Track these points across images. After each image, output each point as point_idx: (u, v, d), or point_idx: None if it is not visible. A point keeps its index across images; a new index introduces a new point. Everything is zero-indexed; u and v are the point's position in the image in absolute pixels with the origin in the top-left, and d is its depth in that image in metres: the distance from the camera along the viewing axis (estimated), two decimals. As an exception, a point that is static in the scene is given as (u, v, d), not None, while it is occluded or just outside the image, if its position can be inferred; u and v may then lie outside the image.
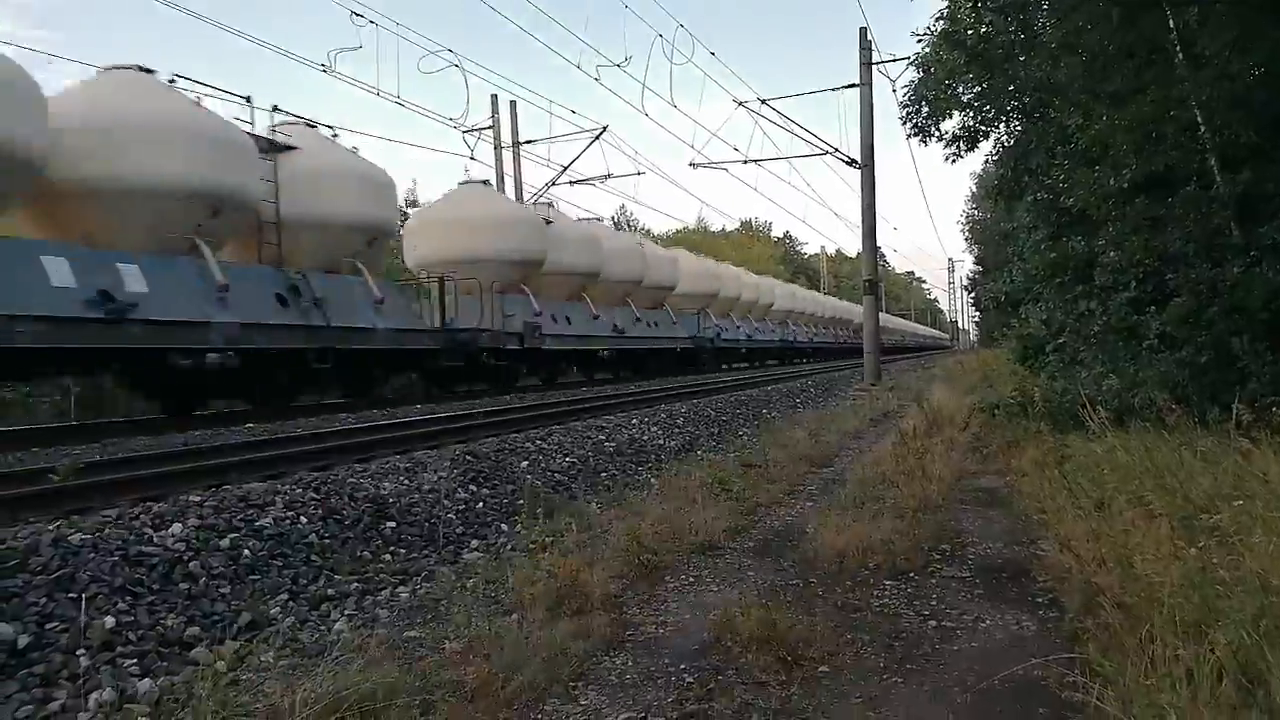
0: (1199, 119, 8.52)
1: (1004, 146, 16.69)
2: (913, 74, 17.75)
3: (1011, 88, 13.41)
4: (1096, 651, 3.18)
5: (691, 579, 4.86)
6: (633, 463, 9.86)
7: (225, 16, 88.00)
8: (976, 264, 51.94)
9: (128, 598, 4.27)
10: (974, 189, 52.72)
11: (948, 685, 3.28)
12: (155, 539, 4.83)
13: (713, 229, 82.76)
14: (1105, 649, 3.18)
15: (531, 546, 5.59)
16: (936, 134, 16.47)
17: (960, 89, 15.14)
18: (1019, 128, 15.66)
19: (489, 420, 11.60)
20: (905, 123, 16.77)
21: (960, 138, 16.19)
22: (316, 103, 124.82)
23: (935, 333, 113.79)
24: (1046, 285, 13.09)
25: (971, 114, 15.67)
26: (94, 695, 3.54)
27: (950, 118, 16.25)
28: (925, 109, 16.38)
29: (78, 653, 3.78)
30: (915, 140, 16.65)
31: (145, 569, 4.54)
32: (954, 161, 16.72)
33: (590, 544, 5.31)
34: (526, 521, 6.55)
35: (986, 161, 21.39)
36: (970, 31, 13.14)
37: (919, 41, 16.38)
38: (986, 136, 16.31)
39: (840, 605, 4.27)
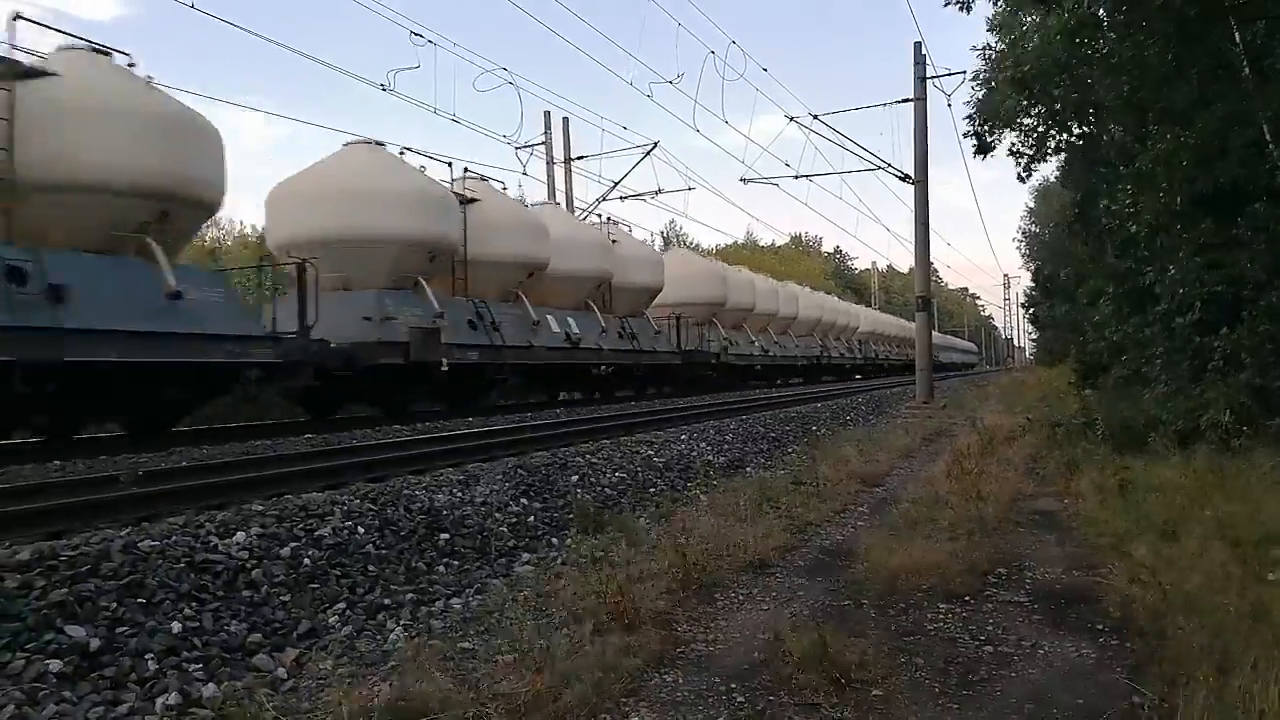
0: (1266, 134, 8.30)
1: (1064, 168, 16.55)
2: (969, 89, 17.71)
3: (1061, 107, 13.34)
4: (1161, 683, 3.10)
5: (742, 597, 4.84)
6: (681, 479, 9.86)
7: (291, 38, 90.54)
8: (1034, 282, 50.86)
9: (193, 604, 4.40)
10: (1030, 205, 51.79)
11: (1005, 712, 3.22)
12: (220, 546, 4.97)
13: (762, 243, 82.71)
14: (1170, 681, 3.10)
15: (582, 561, 5.63)
16: (1001, 145, 16.45)
17: (1024, 103, 15.13)
18: (1078, 140, 15.51)
19: (539, 434, 11.74)
20: (968, 137, 16.77)
21: (1024, 156, 16.12)
22: (376, 121, 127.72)
23: (968, 345, 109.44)
24: (1109, 304, 12.83)
25: (1030, 137, 15.65)
26: (161, 699, 3.66)
27: (1013, 133, 16.23)
28: (987, 126, 16.37)
29: (146, 656, 3.91)
30: (977, 157, 16.70)
31: (210, 576, 4.68)
32: (1028, 175, 16.54)
33: (639, 560, 5.33)
34: (576, 536, 6.60)
35: (1049, 179, 21.17)
36: (1028, 68, 13.09)
37: (978, 56, 16.36)
38: (1051, 154, 16.24)
39: (893, 627, 4.22)
